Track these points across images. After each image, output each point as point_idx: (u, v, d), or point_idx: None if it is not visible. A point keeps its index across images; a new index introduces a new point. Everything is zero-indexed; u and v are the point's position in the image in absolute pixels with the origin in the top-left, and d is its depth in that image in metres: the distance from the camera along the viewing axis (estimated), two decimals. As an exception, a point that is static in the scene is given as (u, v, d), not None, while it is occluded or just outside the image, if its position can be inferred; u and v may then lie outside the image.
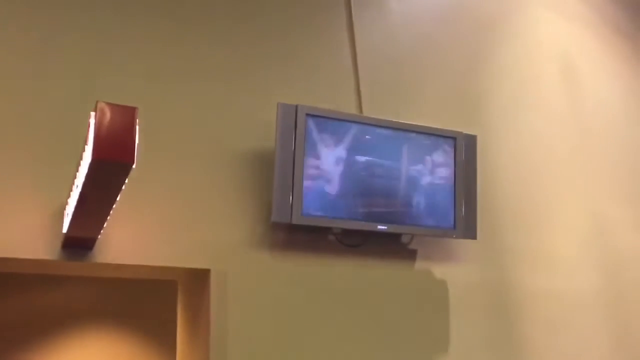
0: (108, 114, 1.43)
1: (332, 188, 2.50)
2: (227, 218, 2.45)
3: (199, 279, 2.44)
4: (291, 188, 2.40)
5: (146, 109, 1.97)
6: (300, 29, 2.84)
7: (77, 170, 1.73)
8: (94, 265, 2.23)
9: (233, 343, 2.33)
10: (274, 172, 2.40)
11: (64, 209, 2.07)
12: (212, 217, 2.42)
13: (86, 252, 2.17)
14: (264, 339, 2.40)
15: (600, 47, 3.76)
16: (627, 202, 3.55)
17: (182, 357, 2.77)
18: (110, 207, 1.77)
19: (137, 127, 1.45)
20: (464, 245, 2.90)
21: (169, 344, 3.05)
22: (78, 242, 2.11)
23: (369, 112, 2.81)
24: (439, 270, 2.83)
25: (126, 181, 1.58)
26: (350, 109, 2.81)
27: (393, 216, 2.59)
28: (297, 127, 2.45)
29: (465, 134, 2.79)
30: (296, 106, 2.47)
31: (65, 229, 2.00)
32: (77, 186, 1.71)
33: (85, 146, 1.54)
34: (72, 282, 4.25)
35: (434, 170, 2.69)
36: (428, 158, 2.69)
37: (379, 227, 2.55)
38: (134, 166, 1.48)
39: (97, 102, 1.43)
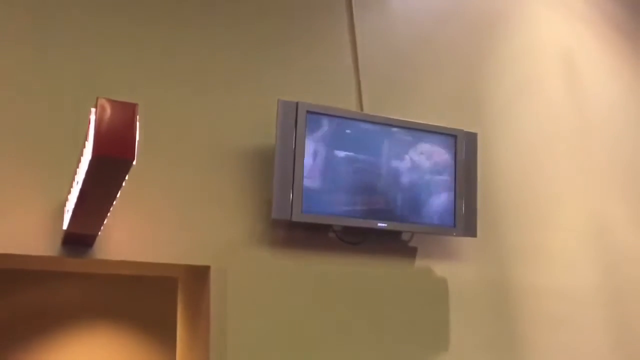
0: (108, 110, 1.43)
1: (332, 185, 2.50)
2: (227, 215, 2.45)
3: (199, 276, 2.44)
4: (291, 185, 2.40)
5: (147, 106, 1.97)
6: (302, 27, 2.83)
7: (78, 167, 1.73)
8: (94, 261, 2.23)
9: (233, 339, 2.33)
10: (274, 169, 2.40)
11: (64, 205, 2.07)
12: (212, 214, 2.42)
13: (86, 249, 2.17)
14: (263, 336, 2.40)
15: (601, 45, 3.76)
16: (626, 199, 3.55)
17: (182, 353, 2.77)
18: (111, 204, 1.77)
19: (138, 124, 1.45)
20: (464, 243, 2.90)
21: (169, 341, 3.06)
22: (78, 239, 2.11)
23: (369, 109, 2.81)
24: (439, 268, 2.83)
25: (126, 178, 1.58)
26: (351, 106, 2.81)
27: (393, 214, 2.59)
28: (298, 124, 2.45)
29: (466, 131, 2.79)
30: (297, 103, 2.47)
31: (65, 226, 2.00)
32: (77, 182, 1.71)
33: (86, 142, 1.54)
34: (72, 279, 4.26)
35: (434, 168, 2.69)
36: (429, 156, 2.68)
37: (379, 224, 2.55)
38: (134, 162, 1.47)
39: (97, 98, 1.43)
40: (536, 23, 3.53)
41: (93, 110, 1.44)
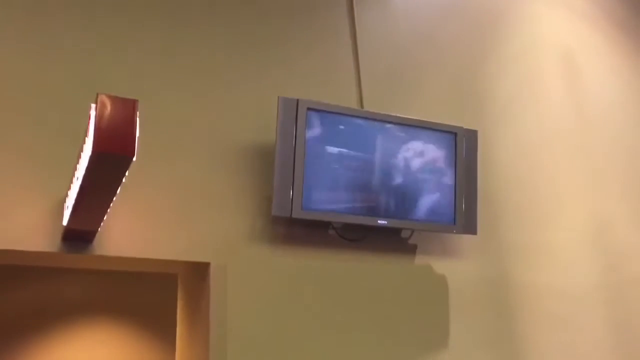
0: (109, 107, 1.42)
1: (333, 182, 2.49)
2: (228, 211, 2.45)
3: (199, 272, 2.44)
4: (292, 182, 2.40)
5: (147, 103, 1.97)
6: (303, 25, 2.83)
7: (78, 163, 1.73)
8: (94, 258, 2.23)
9: (233, 336, 2.33)
10: (275, 166, 2.39)
11: (64, 201, 2.07)
12: (213, 211, 2.42)
13: (86, 245, 2.17)
14: (263, 333, 2.40)
15: (602, 43, 3.75)
16: (627, 197, 3.55)
17: (181, 350, 2.78)
18: (111, 200, 1.77)
19: (138, 120, 1.45)
20: (464, 240, 2.90)
21: (169, 337, 3.06)
22: (78, 235, 2.11)
23: (370, 106, 2.81)
24: (439, 265, 2.83)
25: (126, 174, 1.58)
26: (352, 103, 2.81)
27: (393, 211, 2.58)
28: (298, 121, 2.45)
29: (466, 129, 2.79)
30: (297, 100, 2.47)
31: (65, 222, 2.00)
32: (77, 178, 1.71)
33: (86, 138, 1.54)
34: (72, 275, 4.26)
35: (434, 166, 2.69)
36: (429, 153, 2.68)
37: (379, 221, 2.55)
38: (134, 159, 1.47)
39: (97, 94, 1.43)
40: (537, 21, 3.52)
41: (93, 106, 1.44)
